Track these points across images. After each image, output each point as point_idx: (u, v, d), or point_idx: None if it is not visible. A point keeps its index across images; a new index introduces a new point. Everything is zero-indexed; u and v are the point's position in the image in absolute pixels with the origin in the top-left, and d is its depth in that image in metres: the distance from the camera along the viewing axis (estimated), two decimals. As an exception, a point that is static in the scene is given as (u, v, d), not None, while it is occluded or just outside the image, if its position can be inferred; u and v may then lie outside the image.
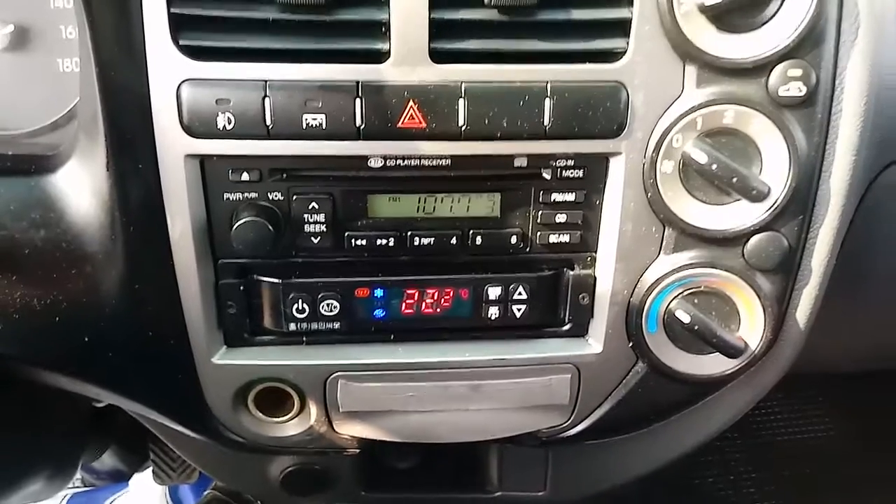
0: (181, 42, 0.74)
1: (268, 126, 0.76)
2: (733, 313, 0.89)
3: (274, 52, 0.76)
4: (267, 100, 0.75)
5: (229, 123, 0.75)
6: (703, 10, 0.75)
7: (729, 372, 0.92)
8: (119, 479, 1.71)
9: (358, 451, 1.05)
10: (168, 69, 0.75)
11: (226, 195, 0.81)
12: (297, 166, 0.81)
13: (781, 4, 0.77)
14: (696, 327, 0.86)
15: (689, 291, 0.87)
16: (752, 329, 0.89)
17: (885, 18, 0.88)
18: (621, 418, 0.99)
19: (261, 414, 0.96)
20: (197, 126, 0.76)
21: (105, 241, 0.80)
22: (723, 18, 0.77)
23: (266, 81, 0.75)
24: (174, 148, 0.77)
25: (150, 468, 1.63)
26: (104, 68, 0.75)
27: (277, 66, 0.76)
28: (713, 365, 0.92)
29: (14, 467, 1.14)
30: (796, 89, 0.79)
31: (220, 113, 0.75)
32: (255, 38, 0.76)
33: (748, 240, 0.85)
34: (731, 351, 0.88)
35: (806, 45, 0.78)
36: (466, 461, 1.25)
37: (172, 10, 0.73)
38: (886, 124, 0.89)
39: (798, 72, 0.79)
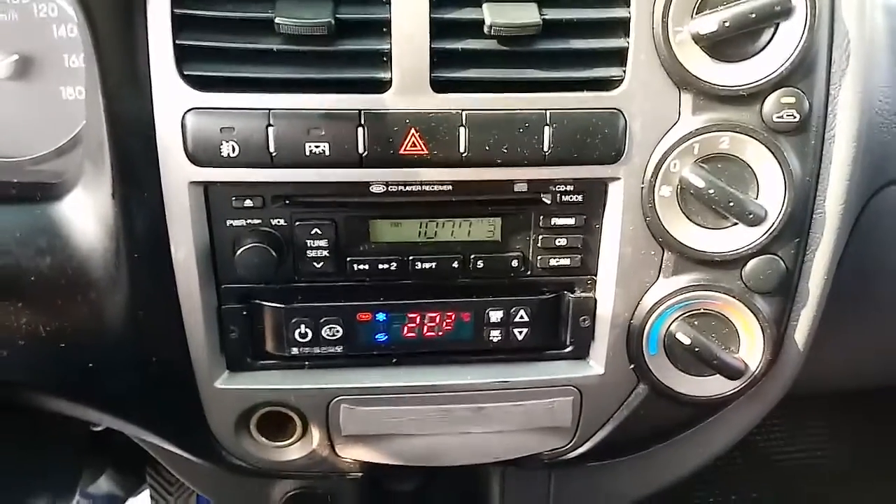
0: (186, 72, 0.76)
1: (271, 154, 0.77)
2: (732, 335, 0.90)
3: (277, 81, 0.77)
4: (270, 129, 0.76)
5: (233, 152, 0.77)
6: (698, 39, 0.77)
7: (729, 393, 0.93)
8: (114, 504, 1.71)
9: (360, 474, 1.05)
10: (173, 99, 0.76)
11: (229, 221, 0.82)
12: (299, 193, 0.82)
13: (774, 34, 0.79)
14: (696, 349, 0.87)
15: (689, 314, 0.88)
16: (751, 350, 0.90)
17: (874, 45, 0.91)
18: (623, 439, 0.99)
19: (263, 438, 0.96)
20: (201, 154, 0.77)
21: (109, 268, 0.81)
22: (717, 48, 0.78)
23: (269, 110, 0.76)
24: (179, 175, 0.78)
25: (147, 492, 1.62)
26: (110, 98, 0.76)
27: (280, 96, 0.77)
28: (714, 386, 0.93)
29: (14, 493, 1.14)
30: (790, 116, 0.81)
31: (224, 141, 0.76)
32: (259, 69, 0.77)
33: (746, 263, 0.86)
34: (730, 372, 0.89)
35: (798, 74, 0.80)
36: (468, 484, 1.25)
37: (178, 41, 0.75)
38: (878, 149, 0.91)
39: (791, 99, 0.80)
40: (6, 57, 0.93)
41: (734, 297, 0.87)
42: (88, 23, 0.74)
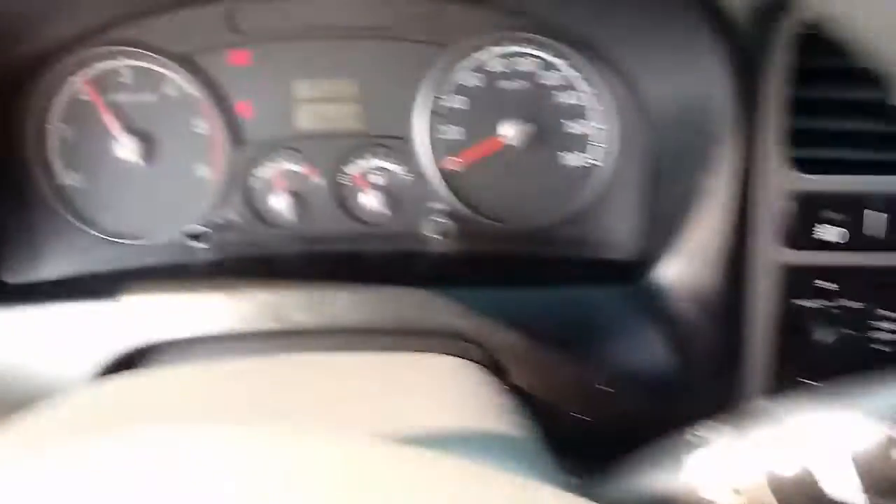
0: (792, 155, 0.76)
1: (874, 237, 0.75)
2: None
3: (879, 163, 0.76)
4: (869, 212, 0.75)
5: (831, 236, 0.76)
6: None
7: None
8: None
9: None
10: (775, 181, 0.76)
11: (801, 302, 0.82)
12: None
13: None
14: None
15: None
16: None
17: None
18: None
19: None
20: (797, 237, 0.76)
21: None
22: None
23: (871, 193, 0.75)
24: (770, 257, 0.78)
25: None
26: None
27: (878, 178, 0.76)
28: None
29: None
30: None
31: (821, 225, 0.76)
32: (864, 151, 0.76)
33: None
34: None
35: None
36: None
37: (794, 125, 0.75)
38: None
39: None
40: (516, 125, 0.95)
41: None
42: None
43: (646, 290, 0.85)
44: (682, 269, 0.82)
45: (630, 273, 0.87)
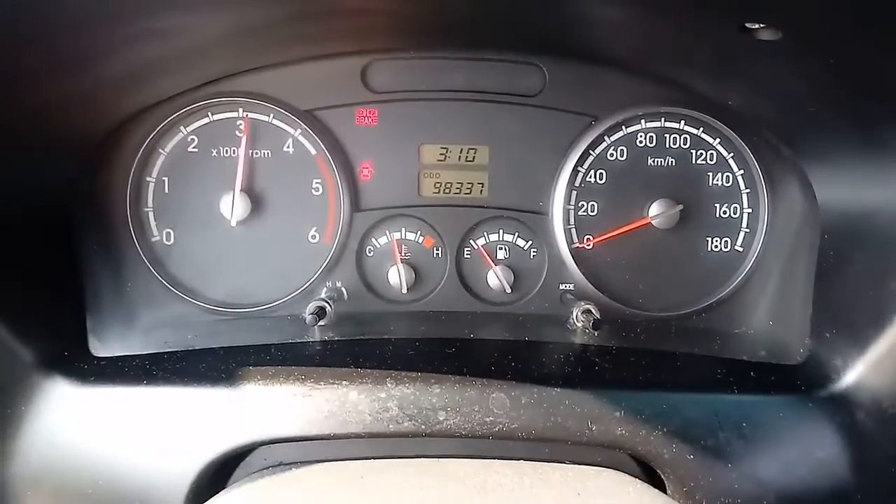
0: None
1: None
2: None
3: None
4: None
5: None
6: None
7: None
8: None
9: None
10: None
11: None
12: None
13: None
14: None
15: None
16: None
17: None
18: None
19: None
20: None
21: None
22: None
23: None
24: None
25: None
26: None
27: None
28: None
29: None
30: None
31: None
32: None
33: None
34: None
35: None
36: None
37: None
38: None
39: None
40: (663, 205, 0.87)
41: None
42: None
43: (823, 401, 0.76)
44: (873, 379, 0.73)
45: (802, 380, 0.78)
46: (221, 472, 0.70)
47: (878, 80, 0.64)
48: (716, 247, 0.90)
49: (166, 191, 0.87)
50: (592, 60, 0.87)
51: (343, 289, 0.90)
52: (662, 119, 0.89)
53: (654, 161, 0.89)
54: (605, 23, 0.76)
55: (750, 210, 0.90)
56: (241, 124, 0.88)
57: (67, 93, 0.71)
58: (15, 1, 0.54)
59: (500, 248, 0.91)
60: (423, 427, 0.69)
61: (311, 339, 0.83)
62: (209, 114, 0.87)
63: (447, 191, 0.91)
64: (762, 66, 0.72)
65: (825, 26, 0.60)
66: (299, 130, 0.88)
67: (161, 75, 0.81)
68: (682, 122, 0.89)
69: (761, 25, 0.62)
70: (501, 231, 0.91)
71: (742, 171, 0.90)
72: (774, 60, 0.69)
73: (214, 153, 0.87)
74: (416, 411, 0.69)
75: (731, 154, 0.90)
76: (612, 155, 0.89)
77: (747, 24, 0.63)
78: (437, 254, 0.91)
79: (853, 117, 0.71)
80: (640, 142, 0.89)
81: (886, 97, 0.65)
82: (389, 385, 0.70)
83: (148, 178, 0.87)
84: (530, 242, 0.91)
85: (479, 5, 0.75)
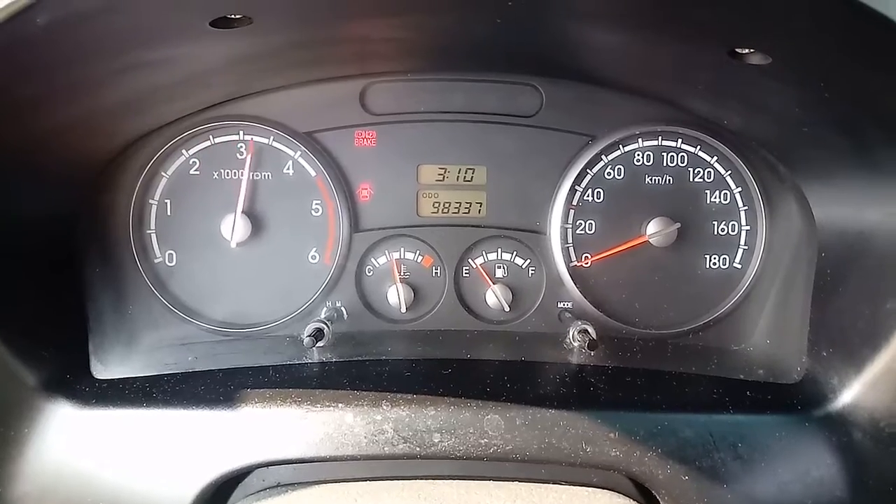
0: None
1: None
2: None
3: None
4: None
5: None
6: None
7: None
8: None
9: None
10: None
11: None
12: None
13: None
14: None
15: None
16: None
17: None
18: None
19: None
20: None
21: None
22: None
23: None
24: None
25: None
26: None
27: None
28: None
29: None
30: None
31: None
32: None
33: None
34: None
35: None
36: None
37: None
38: None
39: None
40: (661, 223, 0.87)
41: None
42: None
43: (820, 420, 0.76)
44: (870, 398, 0.73)
45: (799, 399, 0.78)
46: (220, 493, 0.71)
47: (872, 104, 0.64)
48: (714, 264, 0.90)
49: (168, 213, 0.88)
50: (589, 81, 0.87)
51: (343, 309, 0.91)
52: (659, 138, 0.89)
53: (651, 179, 0.90)
54: (600, 46, 0.77)
55: (748, 227, 0.90)
56: (242, 147, 0.89)
57: (65, 121, 0.72)
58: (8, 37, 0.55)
59: (499, 267, 0.92)
60: (419, 449, 0.69)
61: (310, 361, 0.83)
62: (211, 137, 0.88)
63: (446, 210, 0.91)
64: (757, 89, 0.72)
65: (813, 52, 0.61)
66: (299, 152, 0.89)
67: (161, 102, 0.82)
68: (679, 140, 0.89)
69: (751, 50, 0.63)
70: (500, 250, 0.92)
71: (740, 189, 0.90)
72: (768, 83, 0.69)
73: (216, 175, 0.89)
74: (411, 433, 0.70)
75: (729, 172, 0.90)
76: (609, 174, 0.90)
77: (737, 50, 0.64)
78: (436, 273, 0.92)
79: (849, 138, 0.71)
80: (638, 160, 0.90)
81: (880, 120, 0.65)
82: (385, 407, 0.70)
83: (150, 201, 0.88)
84: (528, 261, 0.92)
85: (476, 32, 0.76)
